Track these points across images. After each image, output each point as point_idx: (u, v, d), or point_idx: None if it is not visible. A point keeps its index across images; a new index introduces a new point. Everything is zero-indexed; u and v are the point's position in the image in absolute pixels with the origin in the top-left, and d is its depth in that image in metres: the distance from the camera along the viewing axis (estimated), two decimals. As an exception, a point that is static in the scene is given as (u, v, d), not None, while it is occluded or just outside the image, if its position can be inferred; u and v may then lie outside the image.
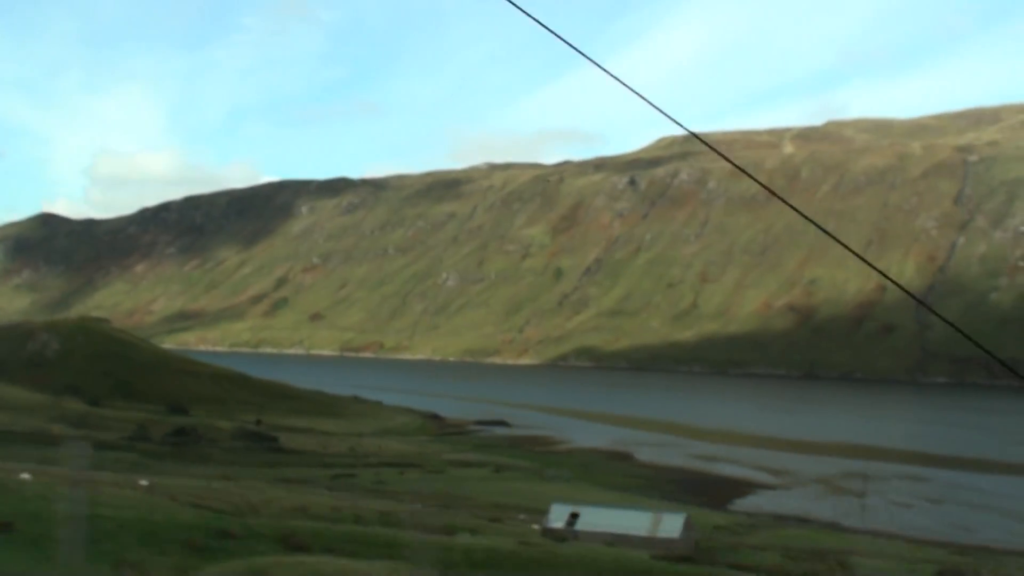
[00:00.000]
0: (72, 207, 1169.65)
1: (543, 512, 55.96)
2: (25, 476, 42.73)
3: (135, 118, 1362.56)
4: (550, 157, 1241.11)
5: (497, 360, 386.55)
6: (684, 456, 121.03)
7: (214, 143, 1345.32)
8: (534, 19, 9.90)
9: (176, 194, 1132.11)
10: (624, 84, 10.67)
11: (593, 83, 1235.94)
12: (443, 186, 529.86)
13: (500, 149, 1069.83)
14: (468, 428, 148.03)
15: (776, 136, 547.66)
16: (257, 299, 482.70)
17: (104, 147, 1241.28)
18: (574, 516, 49.42)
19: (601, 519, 49.24)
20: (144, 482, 58.38)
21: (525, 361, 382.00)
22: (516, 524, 58.16)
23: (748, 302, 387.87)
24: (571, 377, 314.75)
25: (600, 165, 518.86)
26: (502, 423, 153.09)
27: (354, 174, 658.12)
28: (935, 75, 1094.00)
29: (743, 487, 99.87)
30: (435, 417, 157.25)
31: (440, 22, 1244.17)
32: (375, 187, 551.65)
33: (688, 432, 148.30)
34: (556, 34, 10.10)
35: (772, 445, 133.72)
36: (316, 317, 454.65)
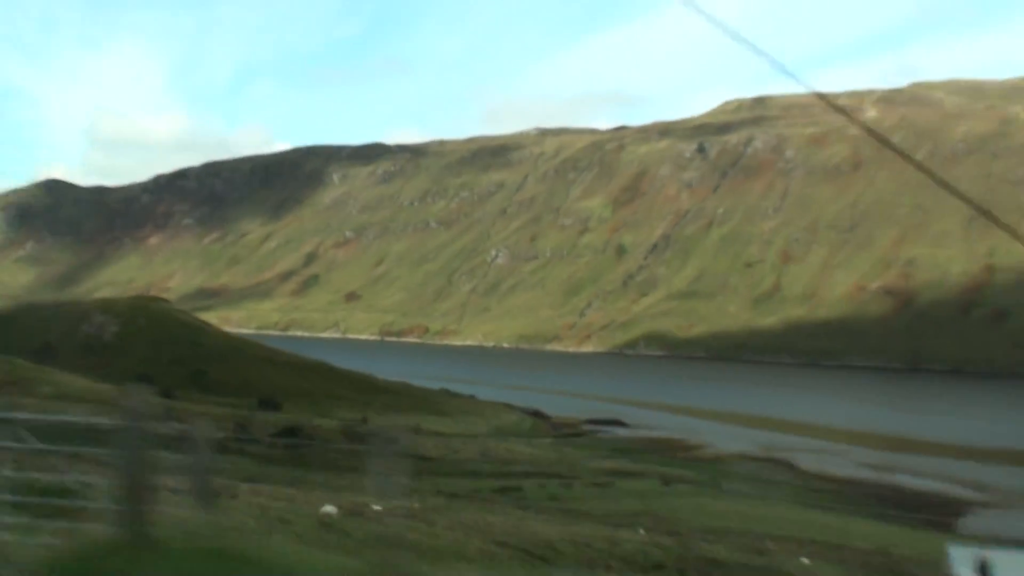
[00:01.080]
0: (70, 172, 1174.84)
1: (779, 538, 48.17)
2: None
3: (136, 78, 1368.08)
4: (594, 121, 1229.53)
5: (557, 347, 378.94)
6: (852, 465, 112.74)
7: (222, 105, 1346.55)
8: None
9: (184, 160, 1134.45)
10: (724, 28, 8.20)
11: (636, 41, 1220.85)
12: (489, 153, 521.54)
13: (539, 113, 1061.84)
14: (583, 428, 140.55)
15: (857, 99, 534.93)
16: (285, 276, 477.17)
17: (104, 108, 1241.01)
18: (984, 565, 40.90)
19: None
20: (330, 508, 50.16)
21: (588, 348, 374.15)
22: (795, 562, 49.99)
23: (837, 285, 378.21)
24: (648, 367, 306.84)
25: (664, 131, 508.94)
26: (618, 422, 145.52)
27: (376, 139, 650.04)
28: (1018, 31, 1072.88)
29: (954, 505, 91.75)
30: (538, 415, 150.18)
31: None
32: (413, 154, 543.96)
33: (830, 435, 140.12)
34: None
35: (939, 452, 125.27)
36: (352, 297, 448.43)
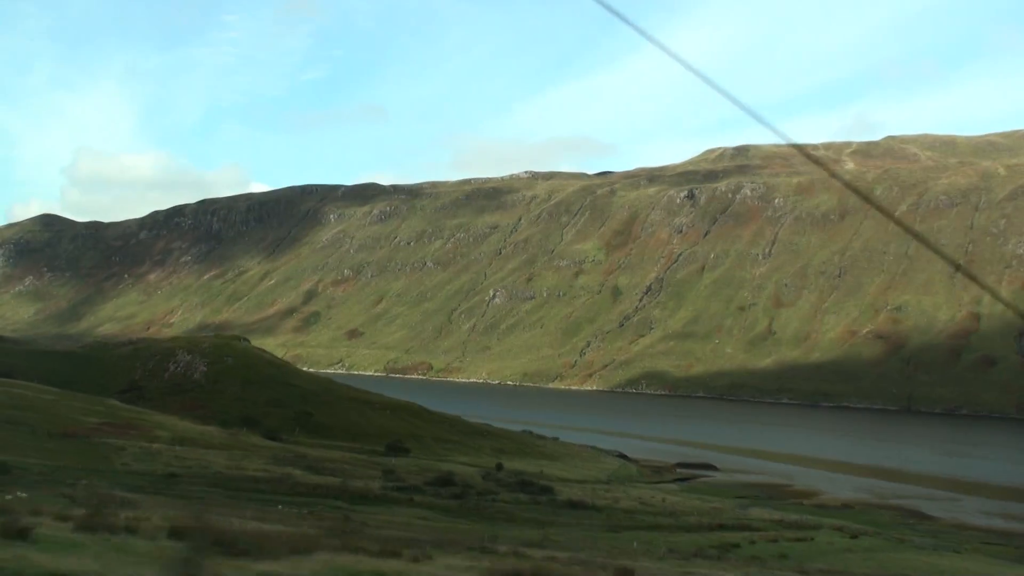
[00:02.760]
0: (46, 208, 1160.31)
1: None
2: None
3: (111, 119, 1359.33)
4: (567, 167, 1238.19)
5: (560, 385, 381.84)
6: (980, 514, 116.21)
7: (194, 147, 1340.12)
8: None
9: (162, 198, 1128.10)
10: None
11: (602, 90, 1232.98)
12: (483, 196, 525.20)
13: (509, 159, 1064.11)
14: (681, 473, 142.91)
15: (834, 151, 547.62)
16: (286, 313, 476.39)
17: (82, 147, 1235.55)
18: None
19: None
20: None
21: (591, 387, 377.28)
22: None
23: (828, 329, 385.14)
24: (659, 406, 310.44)
25: (651, 177, 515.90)
26: (710, 466, 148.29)
27: (349, 181, 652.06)
28: (966, 90, 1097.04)
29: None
30: (624, 457, 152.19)
31: (429, 26, 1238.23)
32: (408, 195, 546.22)
33: (922, 481, 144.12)
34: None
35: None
36: (354, 334, 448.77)
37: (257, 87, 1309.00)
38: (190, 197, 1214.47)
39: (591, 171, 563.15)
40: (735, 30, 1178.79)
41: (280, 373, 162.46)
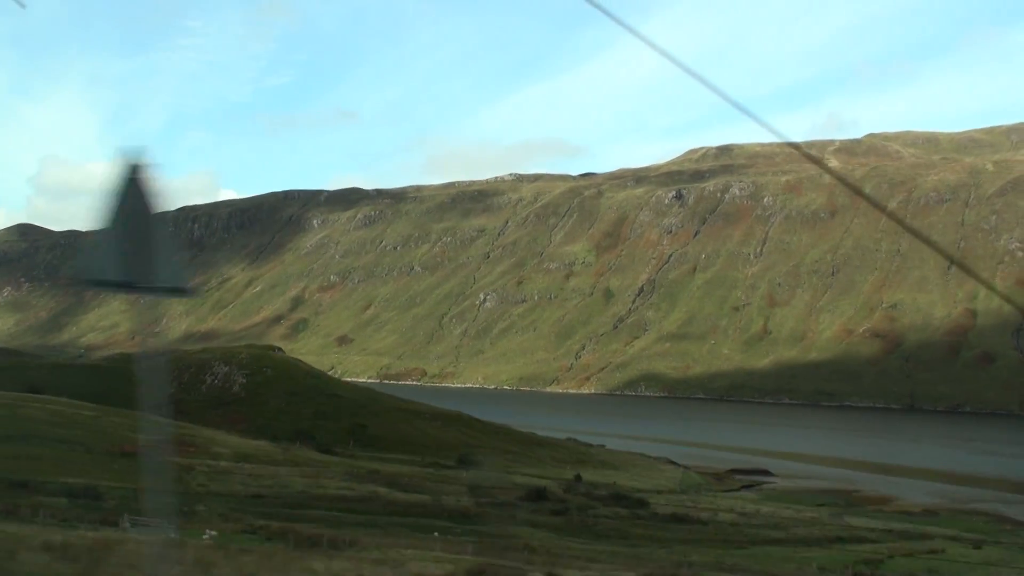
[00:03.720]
0: (13, 218, 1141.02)
1: None
2: None
3: (74, 127, 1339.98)
4: (540, 168, 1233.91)
5: (558, 388, 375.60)
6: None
7: (163, 153, 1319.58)
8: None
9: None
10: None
11: (564, 93, 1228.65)
12: (468, 199, 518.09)
13: (483, 160, 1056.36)
14: (740, 480, 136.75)
15: (817, 149, 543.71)
16: (273, 321, 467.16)
17: (47, 155, 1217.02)
18: None
19: None
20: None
21: (588, 390, 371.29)
22: None
23: (824, 328, 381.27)
24: (664, 409, 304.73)
25: (638, 178, 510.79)
26: (765, 471, 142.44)
27: (320, 185, 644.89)
28: (938, 87, 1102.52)
29: None
30: (673, 463, 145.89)
31: (394, 29, 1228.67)
32: (393, 199, 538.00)
33: (972, 482, 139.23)
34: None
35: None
36: (344, 340, 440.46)
37: (222, 92, 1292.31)
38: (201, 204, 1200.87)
39: (567, 172, 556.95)
40: (704, 28, 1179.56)
41: (322, 383, 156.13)
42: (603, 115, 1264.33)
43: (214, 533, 43.83)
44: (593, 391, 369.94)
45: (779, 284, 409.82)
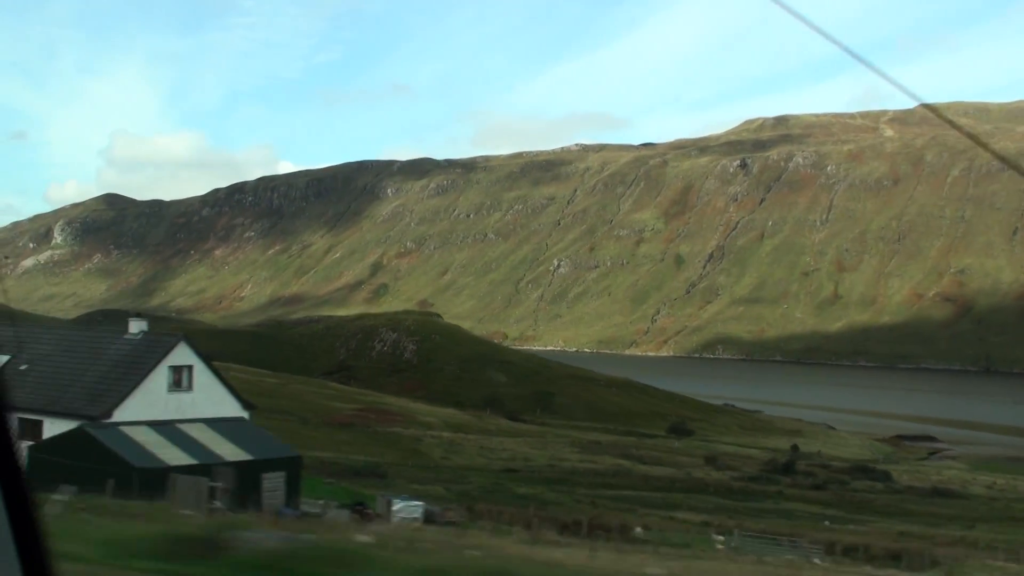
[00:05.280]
0: (83, 189, 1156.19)
1: None
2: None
3: (136, 102, 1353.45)
4: (582, 140, 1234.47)
5: (636, 351, 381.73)
6: None
7: (220, 127, 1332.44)
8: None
9: (196, 177, 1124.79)
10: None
11: (601, 67, 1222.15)
12: (537, 168, 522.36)
13: (528, 134, 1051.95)
14: (916, 447, 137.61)
15: (871, 119, 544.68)
16: (355, 286, 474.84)
17: (117, 129, 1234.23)
18: None
19: None
20: None
21: (666, 352, 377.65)
22: None
23: (895, 292, 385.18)
24: (750, 371, 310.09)
25: (703, 148, 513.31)
26: (931, 438, 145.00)
27: (376, 156, 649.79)
28: (973, 57, 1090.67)
29: None
30: (832, 429, 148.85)
31: (437, 6, 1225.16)
32: (464, 168, 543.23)
33: None
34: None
35: None
36: (424, 305, 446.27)
37: (275, 69, 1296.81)
38: (221, 176, 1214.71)
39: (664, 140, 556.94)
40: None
41: (489, 350, 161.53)
42: (643, 88, 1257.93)
43: (720, 537, 45.05)
44: (671, 354, 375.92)
45: (846, 250, 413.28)
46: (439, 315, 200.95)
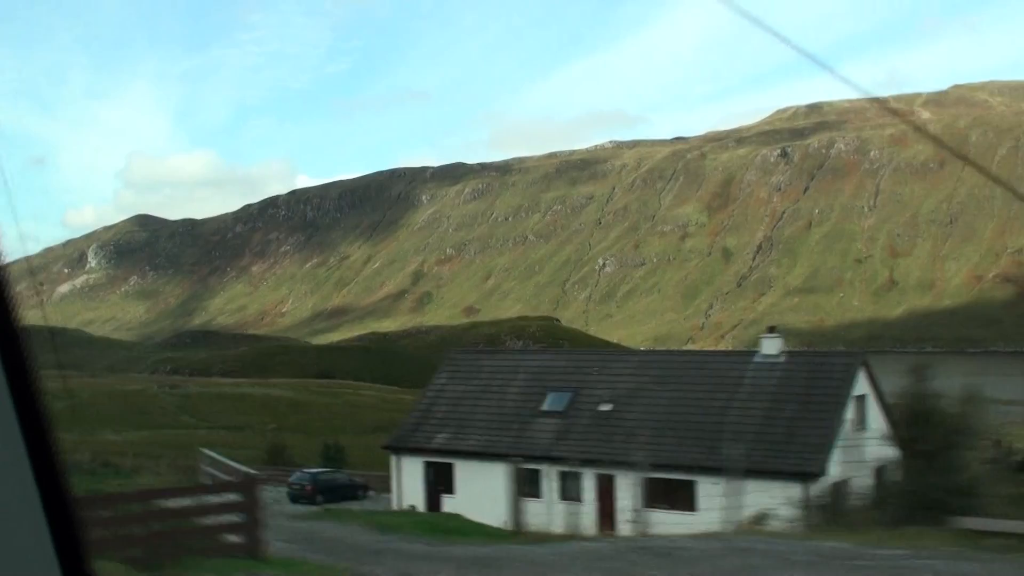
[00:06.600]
0: (101, 213, 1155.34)
1: None
2: None
3: (146, 123, 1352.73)
4: (598, 140, 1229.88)
5: (694, 347, 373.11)
6: None
7: (232, 144, 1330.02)
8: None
9: (213, 195, 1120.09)
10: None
11: (610, 65, 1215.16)
12: (573, 167, 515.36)
13: (545, 135, 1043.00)
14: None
15: (906, 102, 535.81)
16: (398, 295, 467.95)
17: (133, 151, 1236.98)
18: None
19: None
20: None
21: (725, 347, 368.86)
22: None
23: (952, 275, 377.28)
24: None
25: (740, 139, 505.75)
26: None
27: (393, 164, 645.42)
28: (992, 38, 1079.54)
29: None
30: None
31: (441, 12, 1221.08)
32: (498, 171, 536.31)
33: None
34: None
35: None
36: (470, 311, 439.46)
37: (284, 81, 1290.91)
38: (239, 192, 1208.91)
39: (694, 134, 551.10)
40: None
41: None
42: (654, 84, 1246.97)
43: None
44: (730, 348, 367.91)
45: (898, 235, 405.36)
46: (557, 319, 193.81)
